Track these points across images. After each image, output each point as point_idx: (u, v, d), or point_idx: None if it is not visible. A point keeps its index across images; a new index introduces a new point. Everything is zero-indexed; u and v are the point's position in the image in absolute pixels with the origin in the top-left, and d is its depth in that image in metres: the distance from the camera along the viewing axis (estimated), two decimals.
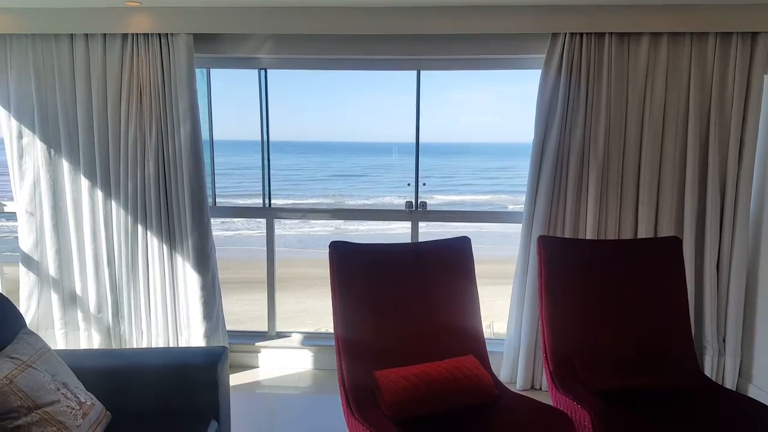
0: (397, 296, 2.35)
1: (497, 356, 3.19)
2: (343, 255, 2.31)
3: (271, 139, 3.35)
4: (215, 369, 1.98)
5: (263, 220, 3.31)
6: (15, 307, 1.85)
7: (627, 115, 2.86)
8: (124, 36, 2.89)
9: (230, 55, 2.99)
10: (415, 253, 2.47)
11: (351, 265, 2.31)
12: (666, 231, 2.92)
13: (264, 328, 3.52)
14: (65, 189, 3.07)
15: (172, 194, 3.02)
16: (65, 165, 3.05)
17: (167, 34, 2.87)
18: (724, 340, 2.99)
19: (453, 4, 2.77)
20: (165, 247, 3.09)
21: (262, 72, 3.19)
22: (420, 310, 2.36)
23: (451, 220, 3.44)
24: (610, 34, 2.77)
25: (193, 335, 3.14)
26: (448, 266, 2.44)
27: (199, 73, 3.16)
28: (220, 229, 14.21)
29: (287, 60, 3.05)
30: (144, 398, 1.92)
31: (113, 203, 3.07)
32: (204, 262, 3.06)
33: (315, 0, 2.71)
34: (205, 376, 1.96)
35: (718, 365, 2.99)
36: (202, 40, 2.93)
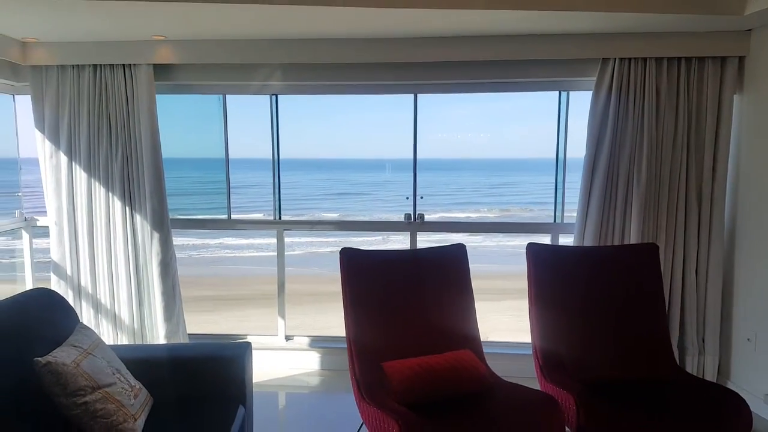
0: (401, 297, 2.63)
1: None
2: (352, 260, 2.59)
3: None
4: (243, 360, 2.24)
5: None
6: (70, 305, 2.11)
7: (656, 133, 3.09)
8: (100, 67, 3.22)
9: (247, 83, 3.34)
10: (416, 258, 2.76)
11: (359, 269, 2.59)
12: (669, 239, 3.16)
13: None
14: (77, 202, 3.39)
15: (136, 209, 3.37)
16: (79, 182, 3.37)
17: (131, 65, 3.21)
18: (703, 340, 3.22)
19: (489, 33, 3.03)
20: (131, 256, 3.40)
21: (273, 98, 3.52)
22: (421, 310, 2.63)
23: (450, 231, 3.79)
24: (645, 59, 3.02)
25: (156, 336, 3.44)
26: (446, 270, 2.72)
27: (216, 99, 3.49)
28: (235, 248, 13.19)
29: (294, 86, 3.38)
30: (180, 386, 2.18)
31: (96, 215, 3.39)
32: (165, 270, 3.38)
33: (315, 33, 3.03)
34: (234, 367, 2.22)
35: (699, 363, 3.22)
36: (219, 69, 3.26)
